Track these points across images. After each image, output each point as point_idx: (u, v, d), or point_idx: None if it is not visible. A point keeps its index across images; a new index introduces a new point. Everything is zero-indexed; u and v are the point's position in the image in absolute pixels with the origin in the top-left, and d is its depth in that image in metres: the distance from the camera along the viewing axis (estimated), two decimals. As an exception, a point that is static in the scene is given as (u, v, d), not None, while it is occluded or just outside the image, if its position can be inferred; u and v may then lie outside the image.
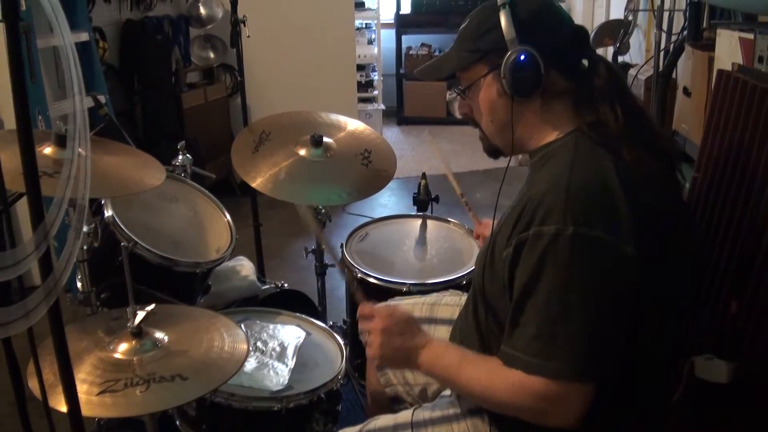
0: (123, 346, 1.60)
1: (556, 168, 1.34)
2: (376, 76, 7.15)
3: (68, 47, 0.99)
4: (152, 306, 1.62)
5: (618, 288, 1.26)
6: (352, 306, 2.65)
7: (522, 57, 1.36)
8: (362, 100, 6.78)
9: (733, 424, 1.65)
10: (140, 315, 1.57)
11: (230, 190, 4.71)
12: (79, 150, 1.03)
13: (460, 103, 1.58)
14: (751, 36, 2.18)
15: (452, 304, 2.00)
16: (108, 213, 2.11)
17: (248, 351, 1.63)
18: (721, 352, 1.62)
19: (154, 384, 1.46)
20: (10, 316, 0.94)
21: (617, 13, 5.23)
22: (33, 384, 1.45)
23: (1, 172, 1.03)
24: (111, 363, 1.54)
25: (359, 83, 6.49)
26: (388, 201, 5.17)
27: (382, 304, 1.65)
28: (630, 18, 4.45)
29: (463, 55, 1.49)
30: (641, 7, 4.52)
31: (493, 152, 1.59)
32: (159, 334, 1.64)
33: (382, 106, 7.10)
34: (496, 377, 1.33)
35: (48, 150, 1.80)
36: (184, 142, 2.62)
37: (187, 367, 1.55)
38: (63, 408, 1.32)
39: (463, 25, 1.51)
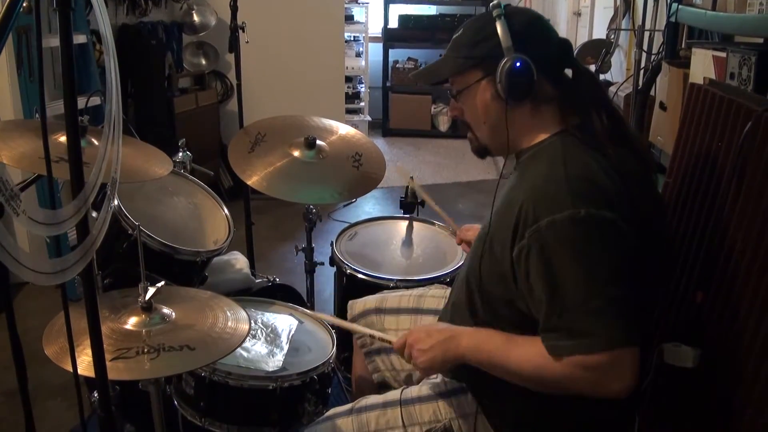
0: (133, 320, 1.68)
1: (548, 163, 1.44)
2: (363, 88, 7.28)
3: (109, 39, 1.10)
4: (162, 282, 1.72)
5: (630, 260, 1.36)
6: (341, 304, 2.75)
7: (518, 64, 1.45)
8: (349, 111, 6.89)
9: (698, 404, 1.77)
10: (151, 290, 1.67)
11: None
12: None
13: (452, 105, 1.66)
14: (723, 54, 2.29)
15: (438, 296, 2.09)
16: (114, 202, 2.20)
17: (250, 327, 1.73)
18: (688, 340, 1.75)
19: (164, 353, 1.55)
20: (49, 268, 1.04)
21: (600, 32, 5.34)
22: (49, 351, 1.55)
23: (47, 146, 1.13)
24: (122, 333, 1.63)
25: (346, 94, 6.59)
26: (372, 209, 5.27)
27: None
28: (612, 38, 4.57)
29: (459, 61, 1.58)
30: (623, 27, 4.66)
31: (482, 152, 1.66)
32: (167, 310, 1.73)
33: (368, 118, 7.23)
34: (548, 357, 1.37)
35: (64, 138, 1.89)
36: (184, 139, 2.72)
37: (193, 339, 1.63)
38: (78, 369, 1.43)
39: (457, 34, 1.60)
